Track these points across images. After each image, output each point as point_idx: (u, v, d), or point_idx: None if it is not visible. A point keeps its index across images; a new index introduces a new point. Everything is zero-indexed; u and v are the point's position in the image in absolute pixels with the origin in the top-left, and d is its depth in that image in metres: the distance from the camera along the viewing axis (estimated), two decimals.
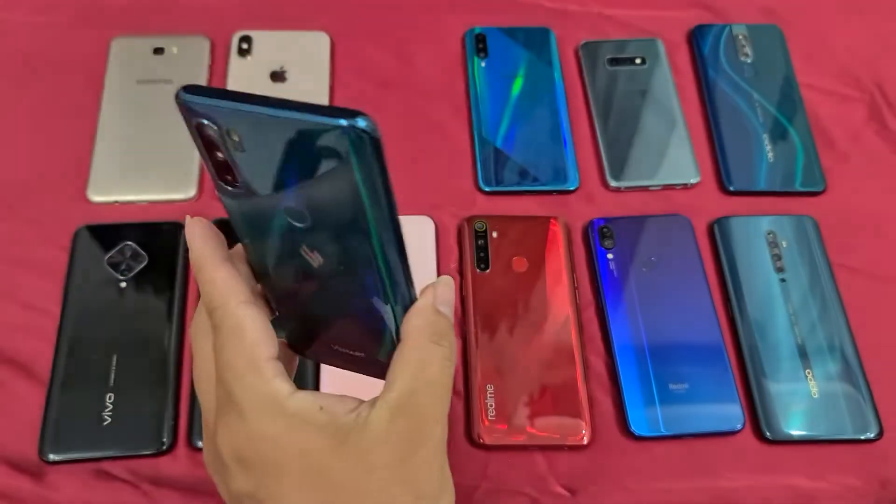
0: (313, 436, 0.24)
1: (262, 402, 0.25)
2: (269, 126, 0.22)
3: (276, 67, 0.57)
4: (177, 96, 0.23)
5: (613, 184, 0.54)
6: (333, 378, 0.45)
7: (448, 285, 0.28)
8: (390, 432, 0.24)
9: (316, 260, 0.25)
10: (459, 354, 0.48)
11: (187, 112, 0.23)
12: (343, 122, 0.21)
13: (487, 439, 0.45)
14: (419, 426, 0.25)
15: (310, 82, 0.57)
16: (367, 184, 0.22)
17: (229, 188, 0.24)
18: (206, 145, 0.23)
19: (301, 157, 0.22)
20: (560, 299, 0.49)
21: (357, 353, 0.29)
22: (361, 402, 0.26)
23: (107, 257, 0.49)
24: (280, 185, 0.23)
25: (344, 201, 0.23)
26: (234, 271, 0.26)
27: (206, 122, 0.23)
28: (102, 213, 0.51)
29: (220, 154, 0.23)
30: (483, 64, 0.59)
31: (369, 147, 0.21)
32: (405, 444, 0.25)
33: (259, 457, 0.25)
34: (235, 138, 0.22)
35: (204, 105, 0.22)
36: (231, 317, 0.25)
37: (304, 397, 0.25)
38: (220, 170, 0.24)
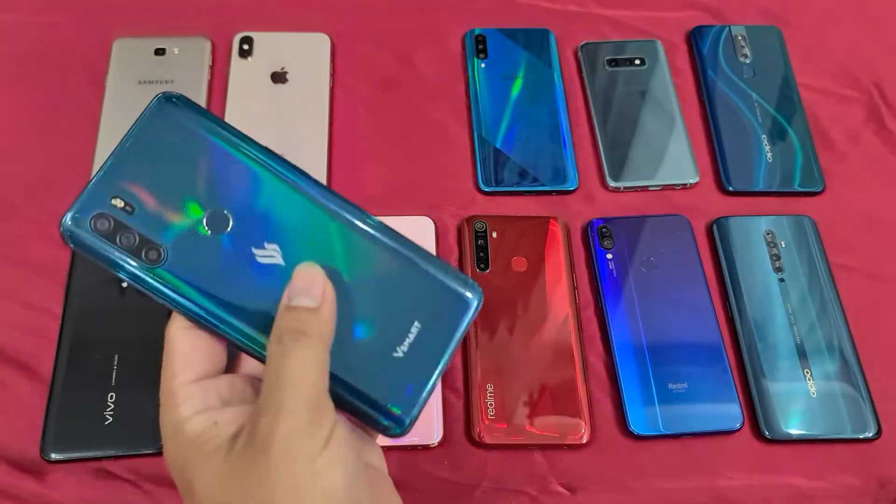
0: (207, 456, 0.25)
1: (167, 428, 0.26)
2: None
3: (277, 68, 0.57)
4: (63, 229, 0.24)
5: (613, 184, 0.54)
6: None
7: (301, 273, 0.26)
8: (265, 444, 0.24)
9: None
10: (460, 354, 0.48)
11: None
12: None
13: (487, 438, 0.45)
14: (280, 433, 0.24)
15: (310, 83, 0.57)
16: None
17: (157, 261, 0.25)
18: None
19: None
20: (559, 299, 0.49)
21: None
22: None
23: None
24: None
25: None
26: None
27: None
28: None
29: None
30: (483, 65, 0.59)
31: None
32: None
33: (176, 479, 0.26)
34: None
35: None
36: (166, 342, 0.27)
37: (200, 420, 0.26)
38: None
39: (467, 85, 0.59)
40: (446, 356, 0.27)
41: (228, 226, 0.25)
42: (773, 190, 0.55)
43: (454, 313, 0.27)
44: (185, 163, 0.25)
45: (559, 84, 0.58)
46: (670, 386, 0.47)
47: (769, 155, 0.56)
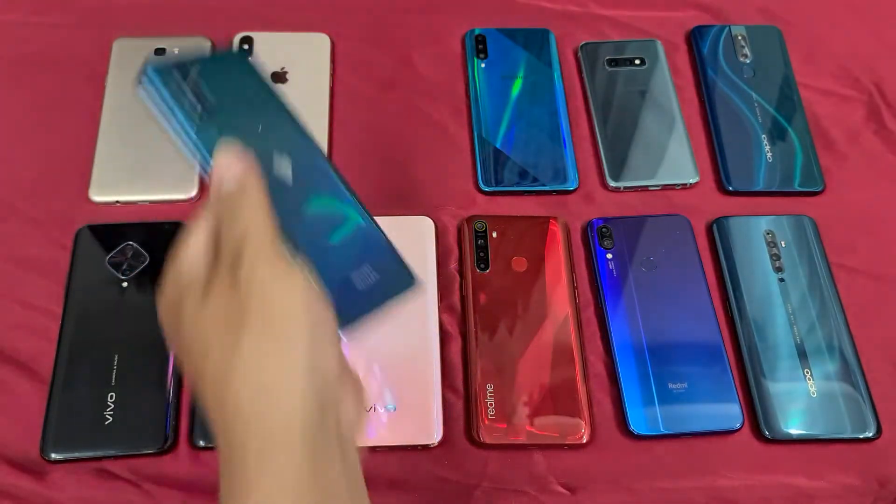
0: (193, 298, 0.29)
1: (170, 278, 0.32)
2: None
3: (277, 68, 0.57)
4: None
5: (613, 184, 0.54)
6: None
7: (218, 161, 0.30)
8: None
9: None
10: (459, 354, 0.48)
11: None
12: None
13: (487, 438, 0.45)
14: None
15: (310, 83, 0.57)
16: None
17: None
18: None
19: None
20: (559, 299, 0.49)
21: None
22: None
23: (108, 257, 0.49)
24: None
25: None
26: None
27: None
28: (104, 213, 0.52)
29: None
30: (483, 65, 0.59)
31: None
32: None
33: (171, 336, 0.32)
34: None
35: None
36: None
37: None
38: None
39: (467, 85, 0.59)
40: (371, 312, 0.31)
41: (253, 135, 0.32)
42: (773, 190, 0.55)
43: (398, 283, 0.32)
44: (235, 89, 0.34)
45: (559, 84, 0.58)
46: (670, 386, 0.47)
47: (769, 155, 0.56)
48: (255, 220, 0.29)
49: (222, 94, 0.32)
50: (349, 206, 0.34)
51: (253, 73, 0.34)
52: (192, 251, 0.30)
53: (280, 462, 0.25)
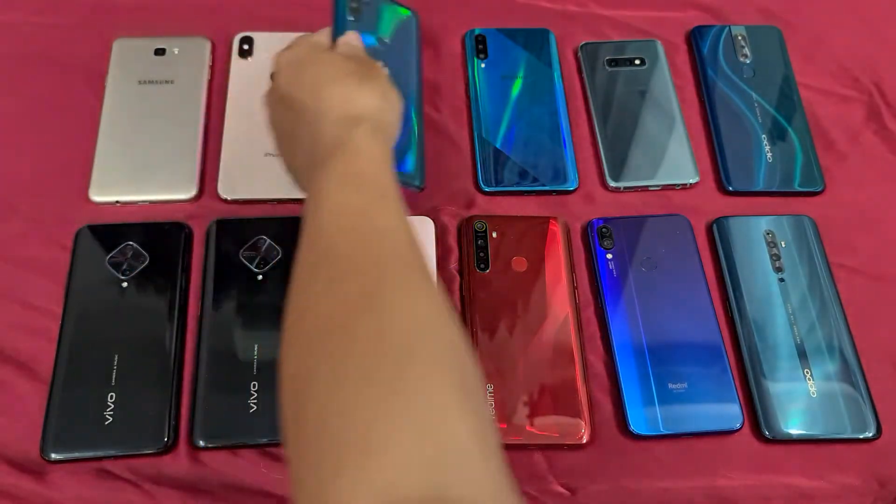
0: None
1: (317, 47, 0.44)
2: None
3: None
4: None
5: (613, 184, 0.54)
6: None
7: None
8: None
9: None
10: None
11: None
12: None
13: None
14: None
15: None
16: None
17: None
18: None
19: None
20: (559, 299, 0.49)
21: None
22: None
23: (108, 257, 0.49)
24: None
25: None
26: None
27: None
28: (104, 213, 0.52)
29: None
30: (483, 65, 0.59)
31: None
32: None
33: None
34: None
35: None
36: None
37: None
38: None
39: (467, 85, 0.59)
40: None
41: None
42: (773, 190, 0.55)
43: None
44: None
45: (559, 84, 0.58)
46: (670, 386, 0.47)
47: (769, 155, 0.56)
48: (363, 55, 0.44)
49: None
50: None
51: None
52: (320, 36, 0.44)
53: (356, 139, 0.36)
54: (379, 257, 0.31)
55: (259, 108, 0.44)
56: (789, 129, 0.57)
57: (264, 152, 0.53)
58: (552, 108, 0.57)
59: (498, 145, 0.55)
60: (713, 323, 0.49)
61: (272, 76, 0.42)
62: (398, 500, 0.23)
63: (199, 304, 0.48)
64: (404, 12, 0.55)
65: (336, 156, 0.35)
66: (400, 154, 0.52)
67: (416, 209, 0.53)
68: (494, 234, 0.51)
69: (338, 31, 0.44)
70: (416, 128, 0.51)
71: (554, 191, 0.54)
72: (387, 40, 0.50)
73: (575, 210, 0.54)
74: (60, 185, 0.53)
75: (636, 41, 0.61)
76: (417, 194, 0.54)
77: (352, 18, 0.45)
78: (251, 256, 0.49)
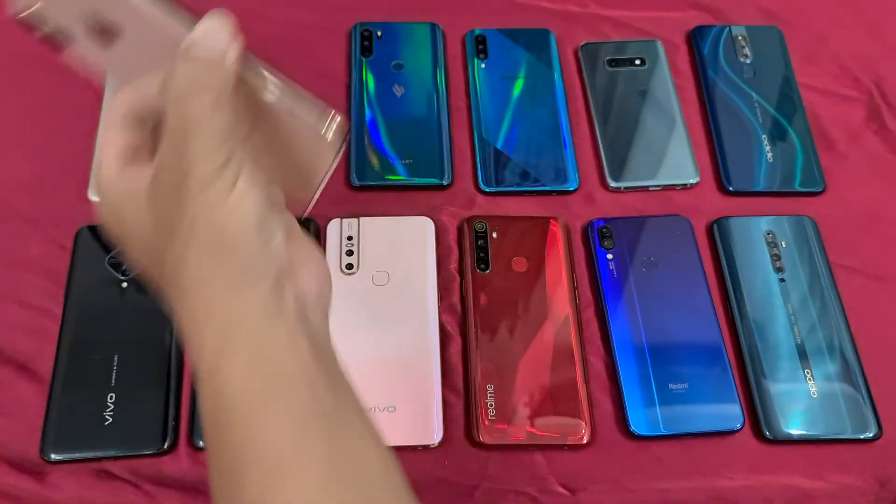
0: (135, 198, 0.29)
1: (102, 196, 0.30)
2: None
3: None
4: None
5: (613, 184, 0.54)
6: None
7: (206, 22, 0.28)
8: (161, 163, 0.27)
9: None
10: (459, 354, 0.48)
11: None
12: None
13: (487, 439, 0.45)
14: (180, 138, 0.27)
15: None
16: None
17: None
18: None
19: None
20: (560, 299, 0.49)
21: None
22: None
23: (108, 257, 0.49)
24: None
25: None
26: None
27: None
28: None
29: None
30: (483, 65, 0.59)
31: None
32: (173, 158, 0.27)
33: (113, 233, 0.31)
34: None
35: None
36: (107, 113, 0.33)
37: (123, 177, 0.29)
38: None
39: (467, 85, 0.58)
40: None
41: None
42: (774, 190, 0.55)
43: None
44: None
45: (559, 84, 0.58)
46: (671, 386, 0.47)
47: (769, 155, 0.56)
48: (217, 104, 0.26)
49: None
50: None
51: None
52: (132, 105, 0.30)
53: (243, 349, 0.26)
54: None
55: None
56: (790, 130, 0.57)
57: None
58: (552, 108, 0.57)
59: (498, 145, 0.55)
60: (713, 323, 0.49)
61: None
62: None
63: None
64: (423, 26, 0.56)
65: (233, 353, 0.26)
66: (430, 155, 0.53)
67: (416, 209, 0.53)
68: (494, 235, 0.51)
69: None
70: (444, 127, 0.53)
71: (554, 191, 0.54)
72: (407, 60, 0.50)
73: (575, 210, 0.54)
74: (60, 185, 0.52)
75: (636, 41, 0.61)
76: (417, 194, 0.54)
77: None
78: None
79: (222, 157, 0.26)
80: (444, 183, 0.54)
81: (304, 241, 0.29)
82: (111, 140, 0.29)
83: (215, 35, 0.28)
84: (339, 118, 0.30)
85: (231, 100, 0.27)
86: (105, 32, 0.32)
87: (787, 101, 0.58)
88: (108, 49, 0.32)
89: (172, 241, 0.27)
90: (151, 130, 0.30)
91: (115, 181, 0.29)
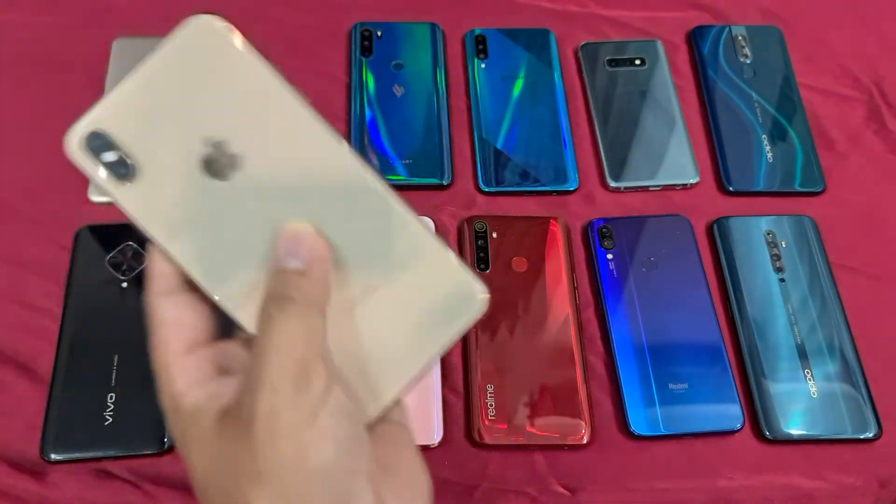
0: (202, 432, 0.24)
1: (166, 403, 0.26)
2: None
3: None
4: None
5: (613, 184, 0.54)
6: None
7: (286, 232, 0.25)
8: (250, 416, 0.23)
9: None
10: (459, 354, 0.48)
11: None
12: None
13: (488, 439, 0.45)
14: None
15: None
16: None
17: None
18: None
19: None
20: (560, 299, 0.49)
21: None
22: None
23: (108, 257, 0.49)
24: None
25: None
26: (161, 260, 0.26)
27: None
28: (103, 214, 0.51)
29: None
30: (483, 65, 0.59)
31: None
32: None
33: (180, 453, 0.26)
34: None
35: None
36: (148, 312, 0.26)
37: (196, 393, 0.25)
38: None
39: (467, 85, 0.58)
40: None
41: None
42: (774, 190, 0.55)
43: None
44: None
45: (559, 84, 0.58)
46: (671, 386, 0.47)
47: (769, 155, 0.56)
48: (302, 329, 0.23)
49: None
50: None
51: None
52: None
53: None
54: None
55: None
56: (790, 129, 0.57)
57: None
58: (552, 108, 0.57)
59: (498, 145, 0.55)
60: (713, 323, 0.49)
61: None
62: None
63: None
64: (423, 26, 0.55)
65: None
66: (430, 155, 0.52)
67: (416, 209, 0.52)
68: (494, 235, 0.51)
69: None
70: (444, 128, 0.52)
71: (554, 191, 0.54)
72: (407, 61, 0.48)
73: (575, 210, 0.54)
74: (60, 186, 0.52)
75: (636, 41, 0.61)
76: (417, 194, 0.54)
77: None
78: None
79: (303, 385, 0.23)
80: (444, 183, 0.54)
81: (402, 450, 0.26)
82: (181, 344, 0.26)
83: (300, 243, 0.25)
84: (484, 296, 0.26)
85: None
86: (217, 167, 0.24)
87: (787, 101, 0.58)
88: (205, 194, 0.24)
89: (236, 482, 0.23)
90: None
91: (184, 394, 0.25)
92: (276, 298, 0.24)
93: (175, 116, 0.24)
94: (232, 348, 0.27)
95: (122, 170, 0.24)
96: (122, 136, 0.24)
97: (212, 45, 0.24)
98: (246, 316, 0.25)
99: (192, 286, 0.26)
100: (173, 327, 0.25)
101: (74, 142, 0.25)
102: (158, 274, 0.26)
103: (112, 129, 0.24)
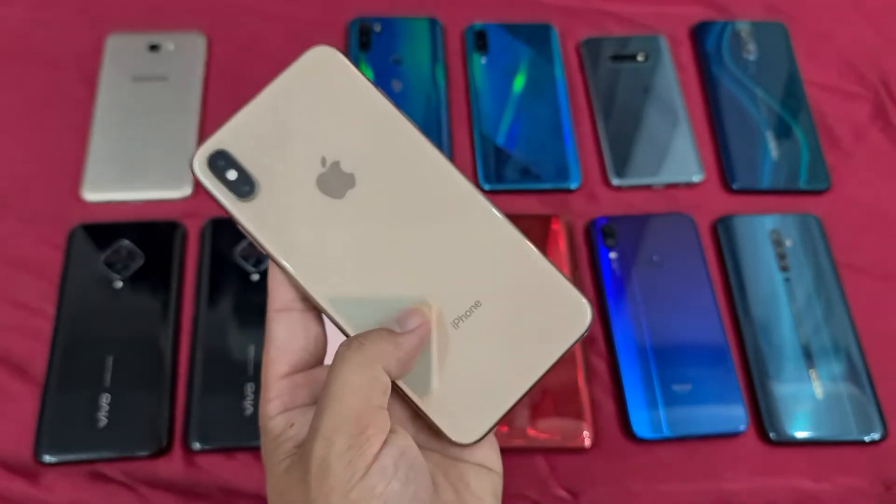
0: (277, 462, 0.25)
1: (261, 419, 0.26)
2: None
3: None
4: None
5: (616, 182, 0.54)
6: None
7: (409, 310, 0.26)
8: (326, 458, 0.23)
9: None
10: None
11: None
12: None
13: None
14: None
15: None
16: None
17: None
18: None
19: None
20: None
21: None
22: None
23: (102, 257, 0.49)
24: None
25: None
26: (279, 276, 0.26)
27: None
28: (98, 212, 0.51)
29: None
30: (483, 61, 0.58)
31: None
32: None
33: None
34: None
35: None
36: (266, 326, 0.26)
37: (280, 420, 0.26)
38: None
39: (467, 81, 0.58)
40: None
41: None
42: (779, 188, 0.54)
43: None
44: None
45: (561, 80, 0.58)
46: (674, 387, 0.46)
47: (774, 152, 0.55)
48: (365, 380, 0.24)
49: None
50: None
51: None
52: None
53: None
54: None
55: None
56: (794, 127, 0.56)
57: None
58: (554, 104, 0.56)
59: (499, 142, 0.55)
60: (717, 323, 0.48)
61: None
62: None
63: (194, 305, 0.47)
64: (422, 21, 0.55)
65: None
66: None
67: None
68: None
69: None
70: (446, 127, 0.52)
71: (556, 189, 0.54)
72: (406, 56, 0.47)
73: (577, 208, 0.53)
74: (53, 184, 0.52)
75: (639, 36, 0.60)
76: None
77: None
78: (247, 256, 0.49)
79: (358, 437, 0.23)
80: None
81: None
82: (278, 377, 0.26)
83: (409, 317, 0.26)
84: (591, 311, 0.27)
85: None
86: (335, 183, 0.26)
87: (792, 97, 0.58)
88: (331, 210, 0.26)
89: None
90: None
91: (270, 421, 0.26)
92: (356, 340, 0.24)
93: (294, 137, 0.26)
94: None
95: (245, 187, 0.26)
96: (244, 155, 0.26)
97: (329, 71, 0.26)
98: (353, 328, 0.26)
99: (308, 305, 0.26)
100: (281, 348, 0.26)
101: (199, 161, 0.26)
102: (275, 290, 0.26)
103: (235, 149, 0.26)
